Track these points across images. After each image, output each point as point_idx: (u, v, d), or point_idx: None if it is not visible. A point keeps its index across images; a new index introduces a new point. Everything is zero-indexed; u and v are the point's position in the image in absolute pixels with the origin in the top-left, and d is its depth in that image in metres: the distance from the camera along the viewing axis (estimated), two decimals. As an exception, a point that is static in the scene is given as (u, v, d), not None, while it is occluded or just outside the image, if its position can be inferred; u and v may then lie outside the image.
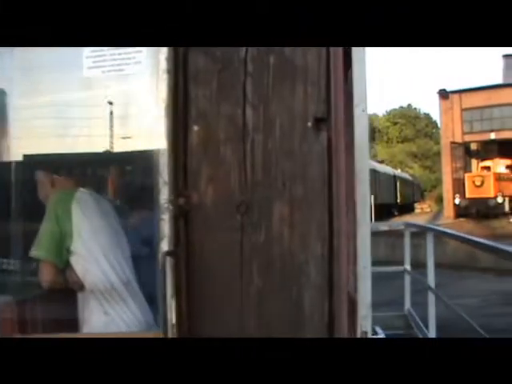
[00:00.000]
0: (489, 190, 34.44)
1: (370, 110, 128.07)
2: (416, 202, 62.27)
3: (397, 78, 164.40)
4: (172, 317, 2.05)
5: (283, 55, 2.09)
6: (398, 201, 50.19)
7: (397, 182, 50.49)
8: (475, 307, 16.46)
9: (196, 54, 2.13)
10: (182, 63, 2.12)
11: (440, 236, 26.43)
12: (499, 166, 37.75)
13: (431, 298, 7.80)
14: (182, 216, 2.07)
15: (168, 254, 2.02)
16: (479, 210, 34.27)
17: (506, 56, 43.52)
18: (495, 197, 34.05)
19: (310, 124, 2.04)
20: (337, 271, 2.02)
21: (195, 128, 2.11)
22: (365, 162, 2.88)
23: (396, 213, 48.46)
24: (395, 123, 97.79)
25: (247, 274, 2.07)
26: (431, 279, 8.15)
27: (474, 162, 41.15)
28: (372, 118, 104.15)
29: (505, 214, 34.32)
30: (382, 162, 64.68)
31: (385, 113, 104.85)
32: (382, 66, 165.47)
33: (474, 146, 41.00)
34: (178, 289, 2.05)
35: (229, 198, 2.08)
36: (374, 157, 73.78)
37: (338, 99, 2.06)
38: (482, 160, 39.92)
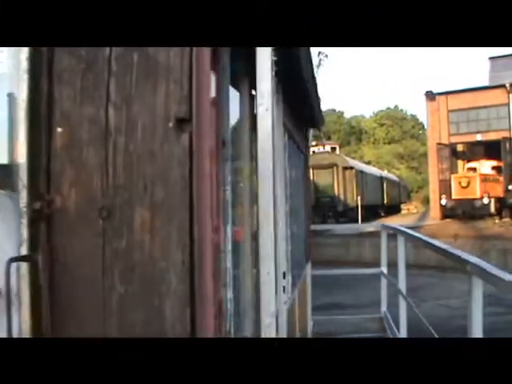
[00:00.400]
0: (475, 191, 34.60)
1: (357, 112, 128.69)
2: (403, 202, 62.51)
3: (384, 80, 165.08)
4: (29, 323, 1.98)
5: (147, 53, 2.02)
6: (385, 202, 50.29)
7: (383, 183, 50.61)
8: (459, 308, 16.55)
9: (61, 53, 2.05)
10: (46, 63, 2.05)
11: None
12: (485, 167, 37.97)
13: (402, 300, 7.71)
14: (43, 220, 2.00)
15: (17, 259, 1.95)
16: (465, 211, 34.43)
17: (492, 58, 43.73)
18: (481, 198, 34.22)
19: (171, 124, 1.97)
20: (198, 279, 1.95)
21: (59, 130, 2.03)
22: (267, 163, 2.81)
23: (383, 214, 48.57)
24: (382, 124, 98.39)
25: (109, 280, 1.99)
26: (402, 281, 8.03)
27: (460, 163, 41.38)
28: (359, 120, 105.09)
29: (490, 215, 34.48)
30: (368, 163, 64.87)
31: (371, 114, 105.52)
32: (369, 67, 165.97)
33: (460, 148, 41.22)
34: (36, 295, 1.98)
35: (91, 202, 2.01)
36: (360, 158, 74.08)
37: (202, 99, 1.99)
38: (468, 161, 40.14)
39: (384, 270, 9.40)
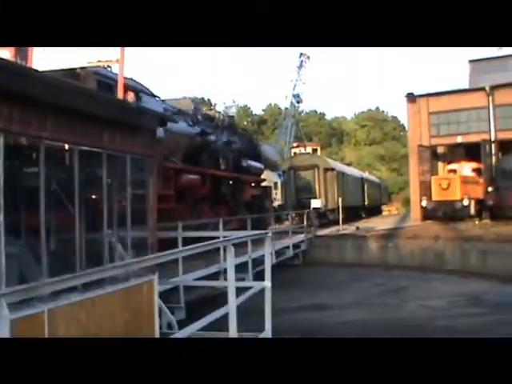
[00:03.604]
0: (455, 193, 34.74)
1: (338, 113, 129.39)
2: (383, 204, 62.75)
3: (365, 81, 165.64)
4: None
5: None
6: (366, 203, 50.41)
7: (364, 184, 50.72)
8: (441, 309, 16.68)
9: None
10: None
11: (398, 238, 26.31)
12: (465, 169, 38.22)
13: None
14: None
15: None
16: (446, 213, 34.56)
17: (472, 61, 44.01)
18: (461, 199, 34.37)
19: None
20: None
21: None
22: None
23: (364, 215, 48.69)
24: (363, 126, 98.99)
25: None
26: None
27: (440, 165, 41.58)
28: (340, 121, 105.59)
29: (470, 217, 34.66)
30: (349, 164, 65.01)
31: (353, 116, 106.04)
32: (350, 68, 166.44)
33: (440, 150, 41.40)
34: None
35: None
36: (342, 159, 74.32)
37: None
38: (449, 163, 40.37)
39: (268, 284, 8.22)
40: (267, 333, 7.47)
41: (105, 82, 13.23)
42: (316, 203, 37.28)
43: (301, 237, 27.65)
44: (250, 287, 8.37)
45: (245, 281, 16.86)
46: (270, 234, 8.38)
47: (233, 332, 6.06)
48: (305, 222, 28.75)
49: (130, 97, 14.14)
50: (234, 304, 6.49)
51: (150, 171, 8.17)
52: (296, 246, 26.69)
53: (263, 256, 20.83)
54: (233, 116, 31.12)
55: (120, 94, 9.45)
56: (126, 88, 14.00)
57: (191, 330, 6.44)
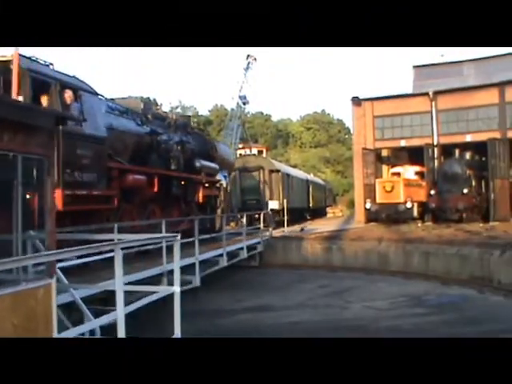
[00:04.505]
0: (398, 196, 35.27)
1: (284, 115, 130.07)
2: (328, 206, 63.33)
3: (311, 83, 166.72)
4: None
5: None
6: (311, 205, 50.78)
7: (309, 186, 51.08)
8: (386, 309, 16.90)
9: None
10: None
11: (342, 240, 26.47)
12: (409, 172, 38.87)
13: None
14: None
15: None
16: (389, 215, 35.06)
17: (416, 66, 44.80)
18: (405, 202, 34.90)
19: None
20: None
21: None
22: None
23: (308, 217, 49.03)
24: (309, 128, 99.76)
25: None
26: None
27: (384, 168, 42.19)
28: (286, 123, 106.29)
29: (413, 219, 35.25)
30: (295, 166, 65.32)
31: (298, 118, 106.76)
32: (297, 70, 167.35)
33: (384, 153, 42.03)
34: None
35: None
36: (287, 161, 74.68)
37: None
38: (393, 166, 40.98)
39: (177, 289, 7.97)
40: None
41: (40, 79, 12.83)
42: (273, 204, 37.45)
43: (257, 238, 27.62)
44: (156, 292, 8.24)
45: (192, 283, 16.78)
46: (178, 238, 8.17)
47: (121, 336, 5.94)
48: (261, 224, 28.70)
49: (68, 95, 13.79)
50: (122, 310, 6.34)
51: (47, 172, 7.96)
52: (252, 247, 26.56)
53: (213, 257, 20.70)
54: (189, 116, 30.80)
55: (14, 92, 9.11)
56: (64, 86, 13.73)
57: (73, 334, 6.41)
